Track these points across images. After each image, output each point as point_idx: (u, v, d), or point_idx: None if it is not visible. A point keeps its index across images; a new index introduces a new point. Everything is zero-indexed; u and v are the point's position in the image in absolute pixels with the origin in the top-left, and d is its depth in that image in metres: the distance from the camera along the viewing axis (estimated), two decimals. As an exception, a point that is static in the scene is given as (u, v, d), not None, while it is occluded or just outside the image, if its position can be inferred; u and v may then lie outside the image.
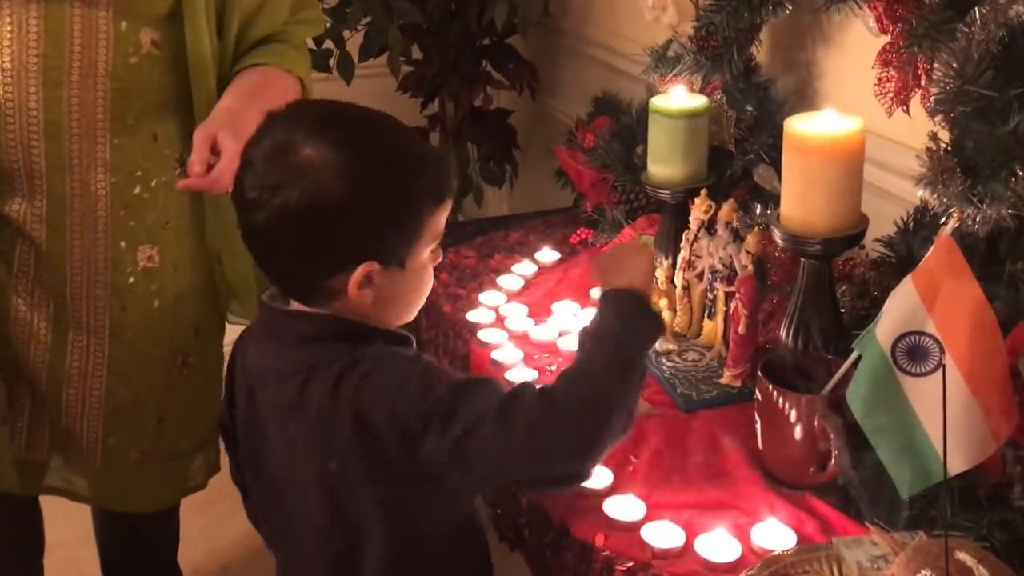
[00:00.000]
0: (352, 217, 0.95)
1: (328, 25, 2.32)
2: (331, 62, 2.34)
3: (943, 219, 1.04)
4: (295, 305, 1.03)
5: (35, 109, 1.32)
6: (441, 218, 1.02)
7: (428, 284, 1.06)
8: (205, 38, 1.38)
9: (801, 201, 1.12)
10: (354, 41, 2.38)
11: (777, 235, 1.15)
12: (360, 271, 0.96)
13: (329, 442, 0.98)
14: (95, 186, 1.36)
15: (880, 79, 1.11)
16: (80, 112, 1.33)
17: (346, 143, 0.95)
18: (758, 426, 1.14)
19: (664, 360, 1.36)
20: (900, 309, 1.01)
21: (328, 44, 2.34)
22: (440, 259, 1.06)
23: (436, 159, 1.02)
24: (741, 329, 1.26)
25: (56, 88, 1.31)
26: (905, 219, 1.16)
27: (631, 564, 1.01)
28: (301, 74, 1.47)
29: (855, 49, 1.42)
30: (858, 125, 1.08)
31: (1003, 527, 0.95)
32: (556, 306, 1.51)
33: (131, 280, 1.40)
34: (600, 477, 1.13)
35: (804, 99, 1.52)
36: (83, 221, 1.36)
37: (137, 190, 1.38)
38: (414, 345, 1.05)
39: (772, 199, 1.46)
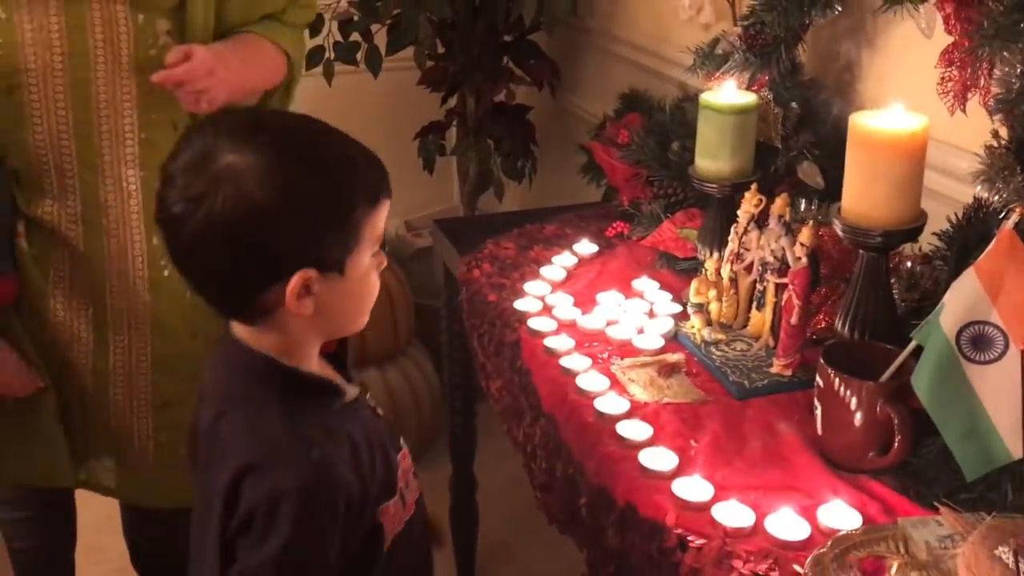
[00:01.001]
0: (280, 222, 0.91)
1: (356, 18, 2.34)
2: (359, 55, 2.36)
3: (1002, 214, 1.08)
4: (237, 329, 0.99)
5: (63, 108, 1.32)
6: (379, 220, 0.98)
7: (374, 291, 1.01)
8: (210, 22, 1.38)
9: (863, 194, 1.15)
10: (379, 35, 2.40)
11: (838, 227, 1.19)
12: (296, 280, 0.92)
13: (208, 491, 0.97)
14: (126, 182, 1.36)
15: (943, 78, 1.15)
16: (108, 108, 1.33)
17: (268, 145, 0.92)
18: (818, 412, 1.17)
19: (713, 350, 1.39)
20: (963, 299, 1.05)
21: (355, 37, 2.36)
22: (384, 264, 1.02)
23: (367, 159, 0.97)
24: (794, 320, 1.30)
25: (84, 86, 1.31)
26: (959, 216, 1.20)
27: (704, 541, 1.04)
28: (288, 49, 1.47)
29: (898, 50, 1.47)
30: (923, 122, 1.12)
31: (1063, 509, 0.99)
32: (601, 296, 1.55)
33: (166, 273, 1.41)
34: (664, 459, 1.16)
35: (846, 100, 1.56)
36: (118, 218, 1.37)
37: None
38: (341, 395, 1.00)
39: (816, 195, 1.51)
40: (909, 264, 1.30)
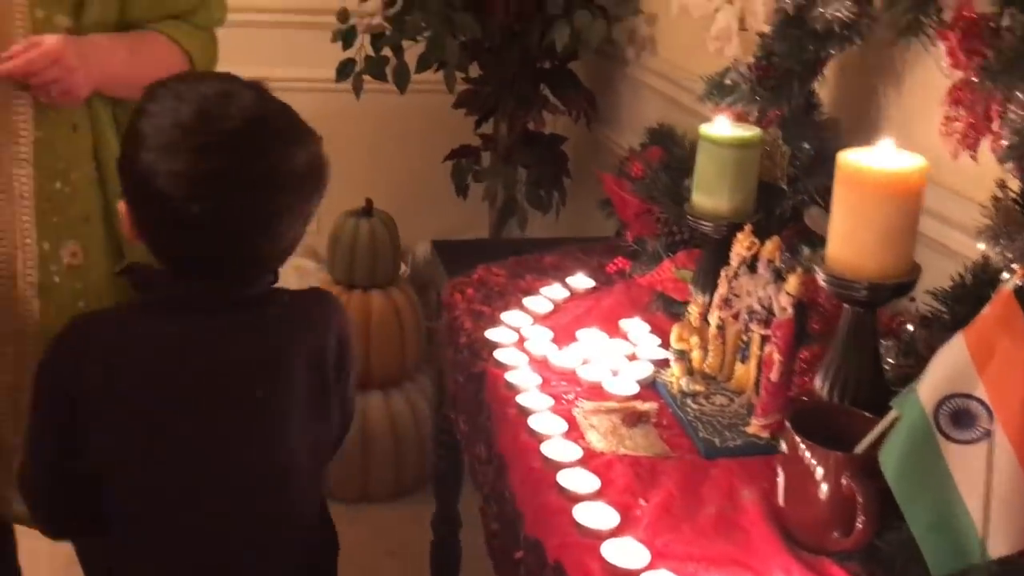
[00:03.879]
0: None
1: (387, 33, 2.30)
2: (387, 70, 2.31)
3: (1005, 274, 0.95)
4: None
5: None
6: None
7: None
8: (110, 19, 1.32)
9: (849, 240, 1.03)
10: (413, 51, 2.35)
11: (820, 276, 1.06)
12: None
13: None
14: (18, 182, 1.28)
15: (948, 118, 1.02)
16: (1, 106, 1.25)
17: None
18: (780, 480, 1.05)
19: (690, 402, 1.27)
20: (947, 367, 0.92)
21: (386, 52, 2.31)
22: None
23: None
24: (774, 376, 1.17)
25: None
26: (962, 274, 1.06)
27: (623, 614, 0.93)
28: (190, 49, 1.41)
29: (925, 90, 1.34)
30: (919, 162, 1.00)
31: (1046, 623, 0.85)
32: (581, 333, 1.44)
33: (56, 279, 1.32)
34: (604, 516, 1.05)
35: (869, 143, 1.43)
36: (7, 222, 1.28)
37: (58, 185, 1.31)
38: None
39: (822, 244, 1.38)
40: (910, 327, 1.16)
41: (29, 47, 1.22)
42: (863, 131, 1.45)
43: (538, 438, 1.19)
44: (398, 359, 2.40)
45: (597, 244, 1.84)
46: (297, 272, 2.64)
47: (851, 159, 1.02)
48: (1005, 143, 0.95)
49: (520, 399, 1.26)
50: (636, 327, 1.47)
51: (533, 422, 1.21)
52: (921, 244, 1.22)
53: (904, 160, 1.00)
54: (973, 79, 0.97)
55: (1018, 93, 0.92)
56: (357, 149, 2.58)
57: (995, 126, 0.99)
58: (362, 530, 2.21)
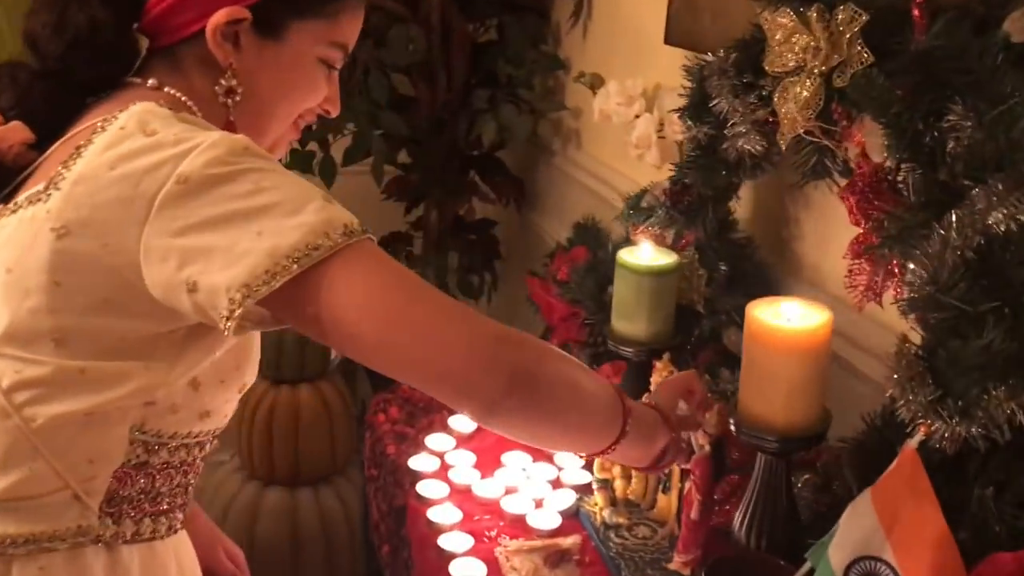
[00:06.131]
0: None
1: (313, 127, 2.28)
2: (313, 163, 2.29)
3: (909, 429, 0.96)
4: None
5: None
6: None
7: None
8: None
9: (759, 393, 1.04)
10: (341, 143, 2.34)
11: (733, 426, 1.07)
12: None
13: None
14: None
15: (851, 271, 1.04)
16: None
17: None
18: (700, 634, 1.04)
19: (613, 535, 1.26)
20: (856, 528, 0.92)
21: (312, 146, 2.30)
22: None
23: None
24: (694, 514, 1.17)
25: None
26: (872, 416, 1.07)
27: None
28: None
29: (836, 215, 1.36)
30: (824, 318, 1.01)
31: None
32: (506, 457, 1.43)
33: None
34: None
35: (784, 261, 1.45)
36: None
37: None
38: None
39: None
40: (825, 458, 1.17)
41: None
42: (778, 249, 1.48)
43: (458, 586, 1.17)
44: (328, 453, 2.36)
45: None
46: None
47: (758, 314, 1.02)
48: (906, 302, 0.97)
49: (441, 541, 1.24)
50: (561, 447, 1.46)
51: (453, 569, 1.19)
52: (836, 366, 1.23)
53: (809, 316, 1.02)
54: (871, 239, 0.98)
55: (916, 254, 0.94)
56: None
57: (895, 280, 1.01)
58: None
